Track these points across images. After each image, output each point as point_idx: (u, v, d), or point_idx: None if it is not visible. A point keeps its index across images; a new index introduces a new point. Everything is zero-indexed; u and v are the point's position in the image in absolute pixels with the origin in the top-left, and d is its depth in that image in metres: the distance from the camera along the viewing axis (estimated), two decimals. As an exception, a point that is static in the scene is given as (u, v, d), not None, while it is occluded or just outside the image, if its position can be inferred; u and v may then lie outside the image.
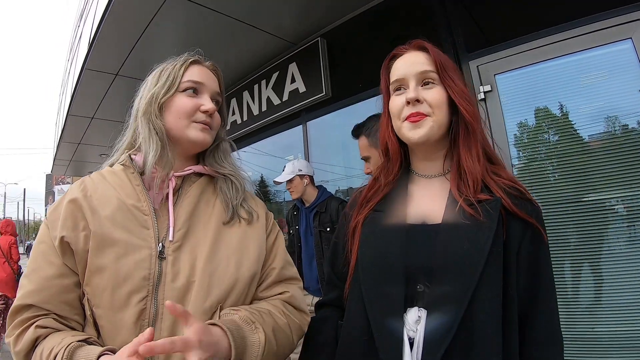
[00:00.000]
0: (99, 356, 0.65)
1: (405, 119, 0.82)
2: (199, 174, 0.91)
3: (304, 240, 2.84)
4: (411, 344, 0.72)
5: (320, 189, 2.97)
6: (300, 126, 3.60)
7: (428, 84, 0.83)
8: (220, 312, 0.77)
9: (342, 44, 3.29)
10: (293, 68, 3.55)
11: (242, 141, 4.25)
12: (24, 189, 50.14)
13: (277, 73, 3.71)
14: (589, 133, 2.31)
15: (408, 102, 0.81)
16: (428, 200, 0.84)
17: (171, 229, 0.79)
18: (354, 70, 3.29)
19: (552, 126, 2.46)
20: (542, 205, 2.11)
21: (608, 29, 2.26)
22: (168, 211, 0.81)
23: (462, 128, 0.82)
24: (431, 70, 0.82)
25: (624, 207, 2.23)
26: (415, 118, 0.80)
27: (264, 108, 3.84)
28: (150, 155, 0.80)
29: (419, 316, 0.73)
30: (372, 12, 3.03)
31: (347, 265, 0.88)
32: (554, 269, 0.79)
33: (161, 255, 0.76)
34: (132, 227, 0.77)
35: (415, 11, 2.79)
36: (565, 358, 0.77)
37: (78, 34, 6.04)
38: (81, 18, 6.43)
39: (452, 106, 0.83)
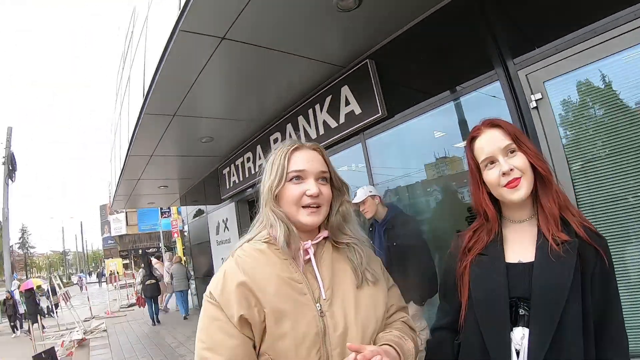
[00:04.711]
0: None
1: (504, 186, 1.02)
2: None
3: (377, 253, 3.06)
4: (517, 354, 0.97)
5: (390, 207, 3.25)
6: (360, 144, 3.60)
7: (512, 153, 1.03)
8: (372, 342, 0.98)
9: (391, 62, 3.25)
10: (346, 91, 3.54)
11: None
12: (81, 222, 53.47)
13: (330, 97, 3.72)
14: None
15: (504, 174, 1.01)
16: (520, 242, 1.06)
17: (322, 289, 0.97)
18: (406, 86, 3.25)
19: (604, 127, 2.31)
20: (602, 205, 2.22)
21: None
22: (314, 275, 0.98)
23: (539, 181, 1.04)
24: (510, 142, 1.04)
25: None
26: (513, 184, 1.01)
27: (321, 131, 3.86)
28: (280, 238, 0.97)
29: (523, 334, 0.98)
30: (416, 29, 2.98)
31: (457, 297, 1.11)
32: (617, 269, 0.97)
33: (321, 314, 0.94)
34: (295, 296, 0.94)
35: (459, 24, 2.73)
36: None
37: (125, 76, 6.25)
38: (125, 59, 6.68)
39: (532, 165, 1.03)
